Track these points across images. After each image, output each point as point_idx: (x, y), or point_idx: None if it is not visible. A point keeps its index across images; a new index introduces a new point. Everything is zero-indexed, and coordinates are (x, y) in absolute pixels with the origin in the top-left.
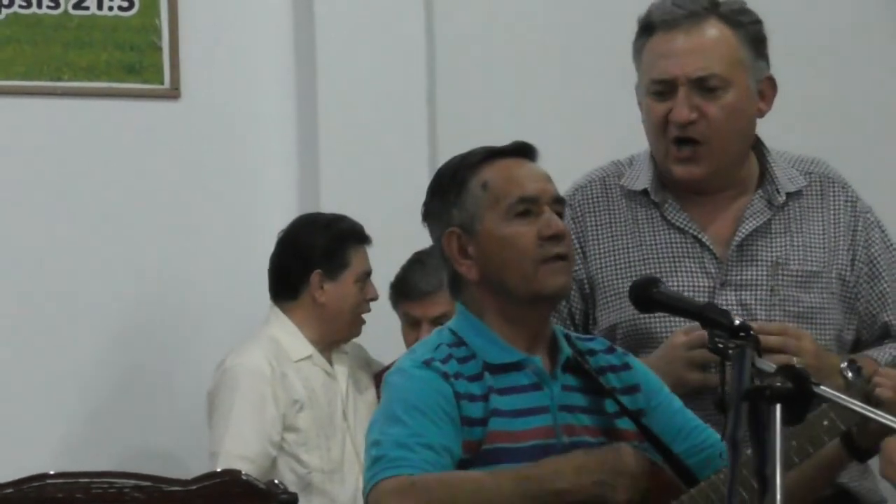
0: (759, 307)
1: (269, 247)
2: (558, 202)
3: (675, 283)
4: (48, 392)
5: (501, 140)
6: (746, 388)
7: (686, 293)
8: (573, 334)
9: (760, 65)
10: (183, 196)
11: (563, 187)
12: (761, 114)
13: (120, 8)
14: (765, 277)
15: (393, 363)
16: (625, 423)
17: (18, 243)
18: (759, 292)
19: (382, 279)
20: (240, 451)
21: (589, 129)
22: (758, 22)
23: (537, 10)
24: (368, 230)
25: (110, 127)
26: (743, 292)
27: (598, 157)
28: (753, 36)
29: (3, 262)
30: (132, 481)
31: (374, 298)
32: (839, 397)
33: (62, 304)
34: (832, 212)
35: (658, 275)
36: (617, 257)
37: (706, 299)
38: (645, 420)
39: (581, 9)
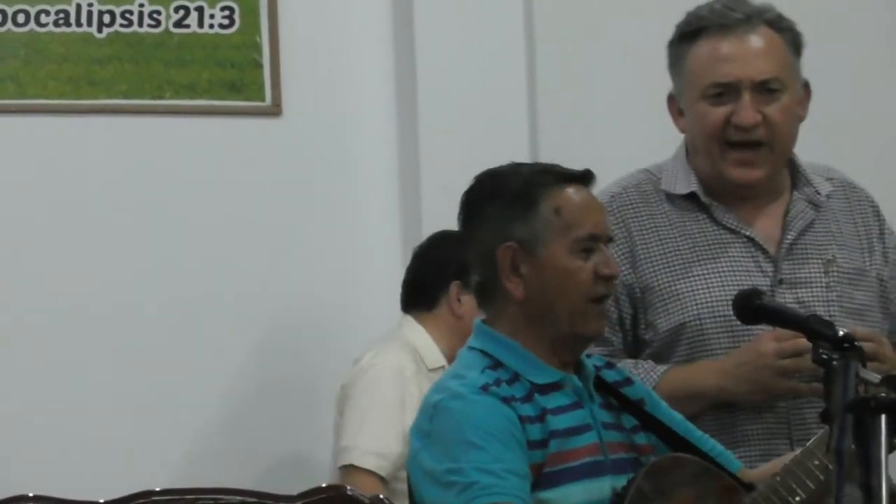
0: (817, 304)
1: (374, 262)
2: (611, 240)
3: (735, 283)
4: (176, 403)
5: (603, 146)
6: (851, 399)
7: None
8: None
9: (800, 71)
10: (285, 213)
11: None
12: (801, 120)
13: (221, 26)
14: (819, 275)
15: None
16: (641, 439)
17: (125, 258)
18: (815, 290)
19: None
20: (375, 447)
21: None
22: (794, 28)
23: (639, 20)
24: None
25: (212, 145)
26: (799, 290)
27: None
28: (795, 41)
29: (119, 275)
30: (237, 497)
31: None
32: None
33: (184, 317)
34: (860, 215)
35: (714, 273)
36: (670, 259)
37: None
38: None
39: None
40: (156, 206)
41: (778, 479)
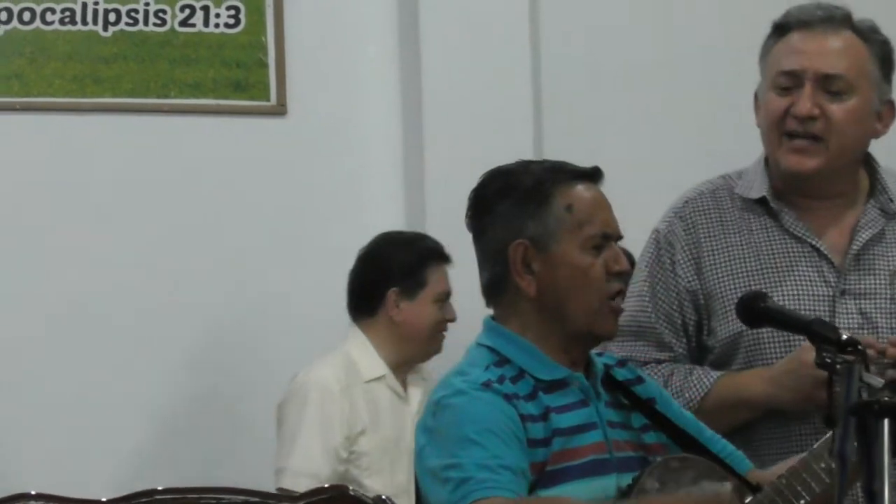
0: (879, 316)
1: None
2: (620, 238)
3: (795, 292)
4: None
5: (607, 146)
6: (854, 402)
7: (806, 302)
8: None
9: (884, 86)
10: (289, 212)
11: (670, 197)
12: (877, 134)
13: (226, 25)
14: (884, 286)
15: None
16: (651, 438)
17: (125, 258)
18: (879, 301)
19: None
20: (307, 468)
21: (694, 140)
22: (888, 44)
23: (644, 17)
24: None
25: (217, 144)
26: (862, 301)
27: (701, 167)
28: (883, 55)
29: (127, 273)
30: (241, 497)
31: (453, 320)
32: None
33: (196, 312)
34: None
35: (777, 283)
36: (734, 267)
37: (827, 308)
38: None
39: (687, 16)
40: (160, 204)
41: (783, 481)
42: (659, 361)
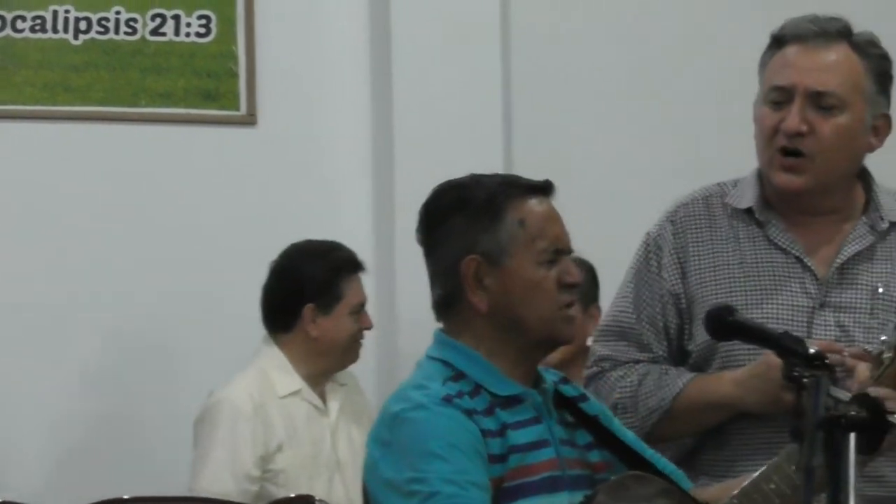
0: (857, 330)
1: None
2: (572, 251)
3: (775, 302)
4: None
5: (577, 165)
6: (822, 417)
7: (784, 312)
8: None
9: (880, 100)
10: (258, 222)
11: (641, 206)
12: (871, 148)
13: (197, 34)
14: (865, 301)
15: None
16: (595, 456)
17: (97, 264)
18: (858, 315)
19: None
20: (216, 490)
21: (663, 162)
22: (887, 58)
23: (614, 30)
24: None
25: (186, 153)
26: (842, 314)
27: (672, 175)
28: (880, 70)
29: (84, 285)
30: None
31: (369, 328)
32: None
33: (166, 318)
34: None
35: (758, 292)
36: (717, 274)
37: (804, 319)
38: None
39: (658, 23)
40: (130, 212)
41: (735, 501)
42: (637, 362)
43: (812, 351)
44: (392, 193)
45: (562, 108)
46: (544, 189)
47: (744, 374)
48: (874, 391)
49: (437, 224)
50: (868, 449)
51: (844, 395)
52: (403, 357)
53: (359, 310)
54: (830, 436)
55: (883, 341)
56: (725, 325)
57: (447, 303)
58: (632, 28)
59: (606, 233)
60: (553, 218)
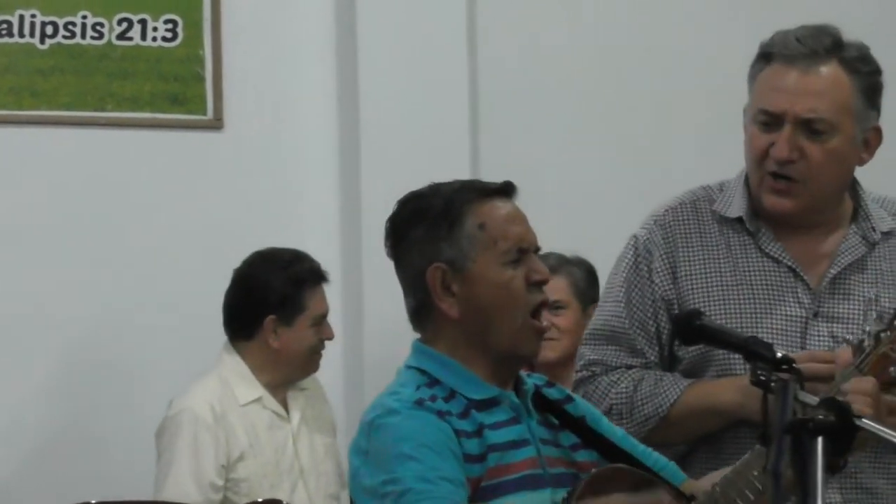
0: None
1: None
2: (538, 249)
3: (770, 312)
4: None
5: (543, 172)
6: (789, 421)
7: (778, 321)
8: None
9: (870, 114)
10: (225, 226)
11: (608, 209)
12: (862, 162)
13: (164, 39)
14: (858, 312)
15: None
16: (581, 456)
17: (63, 268)
18: (851, 327)
19: None
20: (179, 499)
21: (630, 167)
22: (877, 72)
23: (581, 35)
24: None
25: (153, 157)
26: (835, 325)
27: (639, 180)
28: (869, 85)
29: (47, 289)
30: None
31: (330, 338)
32: (882, 431)
33: (126, 322)
34: None
35: (751, 300)
36: (710, 280)
37: (799, 329)
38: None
39: (624, 29)
40: (96, 216)
41: (718, 489)
42: (630, 367)
43: (779, 355)
44: (358, 198)
45: (529, 116)
46: (505, 190)
47: (747, 379)
48: (853, 386)
49: (401, 236)
50: (836, 453)
51: (812, 400)
52: (370, 365)
53: (320, 321)
54: (798, 440)
55: (866, 331)
56: (693, 329)
57: (420, 312)
58: (599, 34)
59: (572, 235)
60: (514, 218)
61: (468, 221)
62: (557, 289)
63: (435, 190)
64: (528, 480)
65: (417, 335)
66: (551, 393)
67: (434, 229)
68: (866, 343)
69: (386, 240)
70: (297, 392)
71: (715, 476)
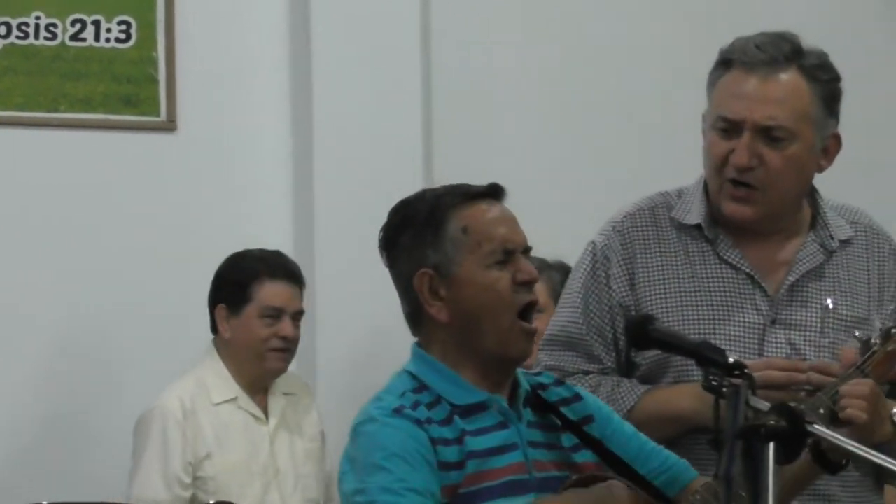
0: (808, 348)
1: None
2: (528, 249)
3: (727, 319)
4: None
5: (495, 176)
6: (741, 426)
7: (736, 328)
8: (520, 370)
9: (829, 122)
10: (178, 228)
11: (564, 214)
12: (821, 169)
13: (117, 40)
14: (815, 320)
15: None
16: (582, 457)
17: (14, 269)
18: (808, 334)
19: (385, 314)
20: (149, 495)
21: (584, 173)
22: (836, 80)
23: (536, 37)
24: (364, 263)
25: (106, 159)
26: (792, 332)
27: (596, 187)
28: (829, 93)
29: (6, 285)
30: None
31: (285, 337)
32: (833, 436)
33: (78, 324)
34: (877, 262)
35: (709, 307)
36: (668, 287)
37: (756, 336)
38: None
39: (580, 34)
40: (48, 218)
41: (698, 497)
42: (587, 373)
43: (732, 360)
44: (312, 199)
45: (483, 118)
46: (491, 193)
47: (694, 387)
48: (848, 389)
49: (392, 244)
50: (787, 459)
51: (763, 405)
52: (322, 365)
53: (271, 314)
54: (750, 445)
55: (879, 329)
56: (645, 334)
57: (414, 317)
58: (554, 37)
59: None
60: (500, 219)
61: (451, 225)
62: (537, 292)
63: (420, 196)
64: (511, 486)
65: (414, 339)
66: (557, 392)
67: (420, 235)
68: (873, 340)
69: (379, 248)
70: (280, 396)
71: (697, 483)
